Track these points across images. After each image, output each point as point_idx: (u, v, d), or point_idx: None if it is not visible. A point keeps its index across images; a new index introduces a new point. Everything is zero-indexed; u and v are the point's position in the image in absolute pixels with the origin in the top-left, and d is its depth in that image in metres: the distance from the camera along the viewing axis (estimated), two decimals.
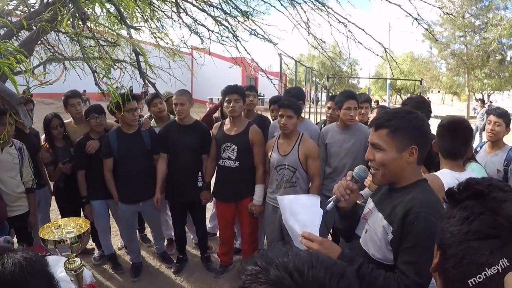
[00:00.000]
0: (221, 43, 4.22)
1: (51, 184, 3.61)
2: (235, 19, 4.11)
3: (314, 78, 12.62)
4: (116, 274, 3.55)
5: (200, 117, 4.08)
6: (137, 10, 3.45)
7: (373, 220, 1.41)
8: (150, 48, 4.26)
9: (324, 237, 1.38)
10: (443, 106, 37.46)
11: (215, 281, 3.43)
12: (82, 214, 3.52)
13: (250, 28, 4.12)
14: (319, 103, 13.03)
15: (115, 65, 3.64)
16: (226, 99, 3.16)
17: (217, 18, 4.04)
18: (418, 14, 3.68)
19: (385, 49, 4.04)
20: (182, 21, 4.18)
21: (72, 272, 1.28)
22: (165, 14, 4.15)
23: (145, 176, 3.35)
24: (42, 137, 3.55)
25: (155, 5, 3.88)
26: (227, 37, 4.19)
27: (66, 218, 1.41)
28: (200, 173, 3.41)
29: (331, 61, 5.76)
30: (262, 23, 4.16)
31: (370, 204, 1.50)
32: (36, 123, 3.47)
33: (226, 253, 3.53)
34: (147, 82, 2.23)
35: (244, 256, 3.53)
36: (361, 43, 4.03)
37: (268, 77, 4.38)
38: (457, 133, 1.93)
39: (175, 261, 3.71)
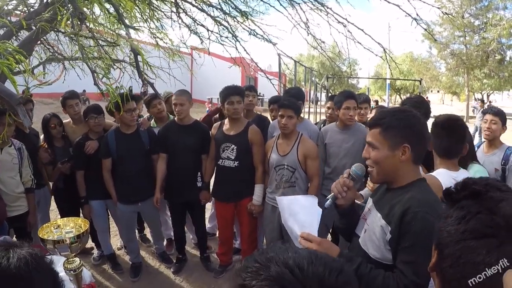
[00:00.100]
0: (221, 43, 4.22)
1: (51, 184, 3.61)
2: (235, 19, 4.11)
3: (313, 78, 12.63)
4: (116, 274, 3.55)
5: (200, 117, 4.09)
6: (136, 10, 3.45)
7: (372, 220, 1.41)
8: (150, 48, 4.27)
9: (323, 236, 1.39)
10: (443, 106, 37.50)
11: (214, 281, 3.43)
12: (81, 214, 3.52)
13: (249, 28, 4.12)
14: (319, 103, 13.04)
15: (114, 65, 3.64)
16: (229, 100, 3.15)
17: (217, 18, 4.04)
18: (417, 14, 3.70)
19: (384, 49, 4.05)
20: (182, 21, 4.19)
21: (71, 272, 1.28)
22: (165, 14, 4.15)
23: (144, 176, 3.35)
24: (41, 137, 3.55)
25: (155, 5, 3.88)
26: (227, 37, 4.19)
27: (65, 218, 1.41)
28: (199, 173, 3.41)
29: (330, 61, 5.78)
30: (262, 23, 4.17)
31: (369, 204, 1.51)
32: (35, 123, 3.47)
33: (225, 253, 3.53)
34: (145, 82, 2.23)
35: (243, 256, 3.53)
36: (360, 43, 4.04)
37: (267, 77, 4.38)
38: (453, 131, 1.91)
39: (174, 261, 3.71)
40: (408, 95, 29.85)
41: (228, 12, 4.03)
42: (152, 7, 3.81)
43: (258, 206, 3.20)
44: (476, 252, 0.64)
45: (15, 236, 3.03)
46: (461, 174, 1.84)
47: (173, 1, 3.86)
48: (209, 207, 4.12)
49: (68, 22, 2.22)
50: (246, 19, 4.06)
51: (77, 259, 1.30)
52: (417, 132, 1.35)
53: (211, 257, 3.77)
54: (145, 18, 3.88)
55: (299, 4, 3.99)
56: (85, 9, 2.41)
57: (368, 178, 1.97)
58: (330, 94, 8.42)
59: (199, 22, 4.22)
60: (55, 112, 3.59)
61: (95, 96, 12.64)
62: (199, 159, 3.42)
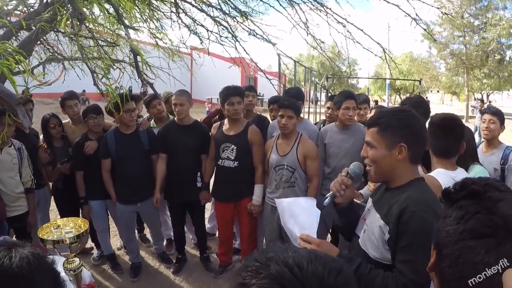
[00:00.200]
0: (220, 43, 4.22)
1: (50, 184, 3.61)
2: (234, 19, 4.11)
3: (313, 78, 12.64)
4: (115, 274, 3.55)
5: (200, 119, 4.09)
6: (136, 10, 3.45)
7: (371, 220, 1.42)
8: (149, 48, 4.27)
9: (323, 236, 1.40)
10: (443, 106, 37.52)
11: (214, 281, 3.43)
12: (81, 214, 3.52)
13: (249, 28, 4.12)
14: (318, 103, 13.04)
15: (114, 65, 3.64)
16: (229, 101, 3.15)
17: (216, 19, 4.04)
18: (417, 14, 3.70)
19: (383, 49, 4.05)
20: (181, 21, 4.18)
21: (71, 272, 1.28)
22: (164, 14, 4.15)
23: (143, 176, 3.35)
24: (41, 137, 3.55)
25: (154, 5, 3.88)
26: (226, 37, 4.19)
27: (65, 218, 1.41)
28: (199, 173, 3.41)
29: (330, 61, 5.78)
30: (261, 23, 4.17)
31: (369, 204, 1.52)
32: (35, 123, 3.47)
33: (225, 253, 3.53)
34: (145, 82, 2.23)
35: (243, 256, 3.53)
36: (360, 43, 4.04)
37: (267, 77, 4.38)
38: (450, 131, 1.87)
39: (174, 261, 3.71)
40: (407, 95, 29.86)
41: (227, 12, 4.03)
42: (152, 7, 3.81)
43: (257, 206, 3.20)
44: (474, 252, 0.64)
45: (14, 236, 3.03)
46: (459, 173, 1.83)
47: (173, 1, 3.86)
48: (208, 207, 4.12)
49: (68, 22, 2.22)
50: (245, 19, 4.06)
51: (76, 259, 1.30)
52: (415, 132, 1.35)
53: (211, 257, 3.77)
54: (144, 18, 3.87)
55: (298, 4, 4.00)
56: (84, 9, 2.41)
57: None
58: (329, 94, 8.41)
59: (199, 22, 4.22)
60: (54, 112, 3.59)
61: (95, 96, 12.63)
62: (199, 159, 3.42)
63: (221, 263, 3.56)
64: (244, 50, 4.22)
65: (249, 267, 0.58)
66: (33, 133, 3.57)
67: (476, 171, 2.17)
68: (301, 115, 3.45)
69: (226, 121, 3.32)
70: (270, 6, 4.12)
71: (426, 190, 1.34)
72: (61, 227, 1.35)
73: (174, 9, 4.00)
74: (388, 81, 21.80)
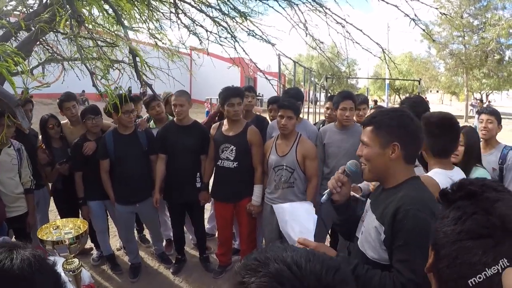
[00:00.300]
0: (220, 44, 4.22)
1: (50, 185, 3.61)
2: (234, 19, 4.11)
3: (312, 79, 12.64)
4: (115, 275, 3.55)
5: (202, 121, 4.09)
6: (135, 11, 3.45)
7: (368, 221, 1.43)
8: (149, 49, 4.27)
9: (322, 237, 1.41)
10: (442, 106, 37.53)
11: (213, 281, 3.44)
12: (80, 214, 3.52)
13: (248, 28, 4.13)
14: (318, 103, 13.04)
15: (113, 65, 3.64)
16: (229, 102, 3.15)
17: (216, 19, 4.04)
18: (415, 15, 3.70)
19: (383, 50, 4.06)
20: (181, 21, 4.19)
21: (71, 272, 1.28)
22: (163, 15, 4.15)
23: (142, 177, 3.35)
24: (40, 137, 3.55)
25: (153, 6, 3.88)
26: (226, 38, 4.20)
27: (64, 219, 1.41)
28: (198, 173, 3.42)
29: (329, 61, 5.78)
30: (260, 23, 4.19)
31: (367, 205, 1.52)
32: (35, 124, 3.47)
33: (224, 254, 3.54)
34: (144, 83, 2.23)
35: (242, 257, 3.52)
36: (359, 44, 4.05)
37: (266, 78, 4.39)
38: (448, 130, 1.85)
39: (173, 261, 3.71)
40: (407, 95, 29.87)
41: (227, 12, 4.04)
42: (151, 8, 3.81)
43: (257, 207, 3.20)
44: (472, 252, 0.65)
45: (14, 236, 3.03)
46: (456, 173, 1.83)
47: (172, 2, 3.86)
48: (208, 208, 4.12)
49: (67, 23, 2.22)
50: (245, 20, 4.06)
51: (76, 259, 1.30)
52: (410, 132, 1.36)
53: (211, 258, 3.78)
54: (144, 19, 3.88)
55: (297, 4, 4.00)
56: (84, 10, 2.41)
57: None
58: (329, 95, 8.42)
59: (198, 23, 4.22)
60: (53, 113, 3.59)
61: (95, 96, 12.63)
62: (198, 160, 3.43)
63: (220, 264, 3.56)
64: (244, 50, 4.23)
65: (248, 266, 0.59)
66: (32, 133, 3.56)
67: (480, 173, 2.17)
68: (301, 115, 3.45)
69: (225, 121, 3.32)
70: (269, 6, 4.12)
71: (422, 189, 1.35)
72: (60, 227, 1.34)
73: (173, 10, 4.01)
74: (387, 81, 21.80)
